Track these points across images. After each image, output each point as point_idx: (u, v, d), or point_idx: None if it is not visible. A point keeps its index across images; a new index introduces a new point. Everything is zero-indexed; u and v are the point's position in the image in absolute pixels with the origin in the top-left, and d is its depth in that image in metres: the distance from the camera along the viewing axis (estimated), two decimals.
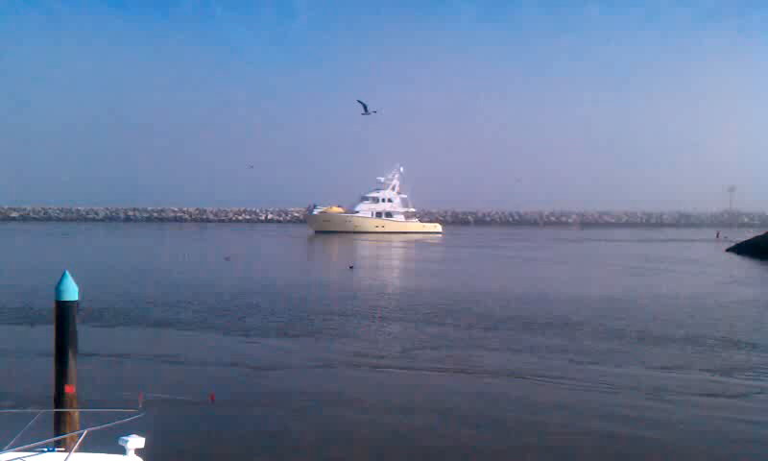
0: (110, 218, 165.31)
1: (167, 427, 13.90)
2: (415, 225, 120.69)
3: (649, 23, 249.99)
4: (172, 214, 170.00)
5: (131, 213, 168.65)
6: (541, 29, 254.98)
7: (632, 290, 38.48)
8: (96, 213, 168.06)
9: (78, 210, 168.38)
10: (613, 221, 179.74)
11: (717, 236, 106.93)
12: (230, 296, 35.04)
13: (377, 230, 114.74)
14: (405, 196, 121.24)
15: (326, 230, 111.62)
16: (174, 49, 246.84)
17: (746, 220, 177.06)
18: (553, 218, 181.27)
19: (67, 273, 11.82)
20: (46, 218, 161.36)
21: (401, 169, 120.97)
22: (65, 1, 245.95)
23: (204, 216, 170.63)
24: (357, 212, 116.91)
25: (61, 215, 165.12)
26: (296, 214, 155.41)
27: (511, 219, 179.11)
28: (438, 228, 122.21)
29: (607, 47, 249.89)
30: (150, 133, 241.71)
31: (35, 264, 51.79)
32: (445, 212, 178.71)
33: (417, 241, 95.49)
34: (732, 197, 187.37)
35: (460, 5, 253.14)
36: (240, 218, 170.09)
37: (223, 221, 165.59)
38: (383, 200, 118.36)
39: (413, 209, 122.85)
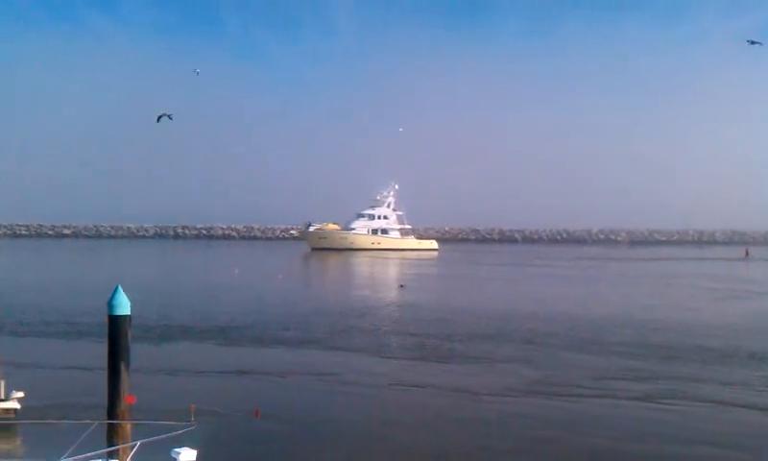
0: (160, 236, 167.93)
1: (217, 440, 14.00)
2: (411, 242, 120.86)
3: (696, 38, 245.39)
4: (220, 232, 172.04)
5: (180, 231, 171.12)
6: (584, 43, 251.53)
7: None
8: (146, 231, 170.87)
9: (128, 228, 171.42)
10: (664, 239, 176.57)
11: (746, 254, 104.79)
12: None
13: (373, 246, 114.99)
14: (401, 213, 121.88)
15: (323, 248, 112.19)
16: (215, 68, 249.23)
17: None
18: (602, 236, 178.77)
19: (119, 288, 12.02)
20: (97, 235, 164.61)
21: (396, 186, 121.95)
22: (108, 20, 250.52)
23: (252, 233, 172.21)
24: (353, 229, 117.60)
25: (112, 233, 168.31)
26: (291, 232, 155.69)
27: (559, 237, 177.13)
28: (434, 244, 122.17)
29: (653, 62, 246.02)
30: (194, 151, 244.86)
31: (86, 280, 52.77)
32: (492, 230, 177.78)
33: (420, 259, 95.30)
34: None
35: (502, 21, 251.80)
36: (287, 236, 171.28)
37: (270, 239, 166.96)
38: (379, 217, 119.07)
39: (408, 226, 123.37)
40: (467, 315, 35.01)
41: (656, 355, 25.07)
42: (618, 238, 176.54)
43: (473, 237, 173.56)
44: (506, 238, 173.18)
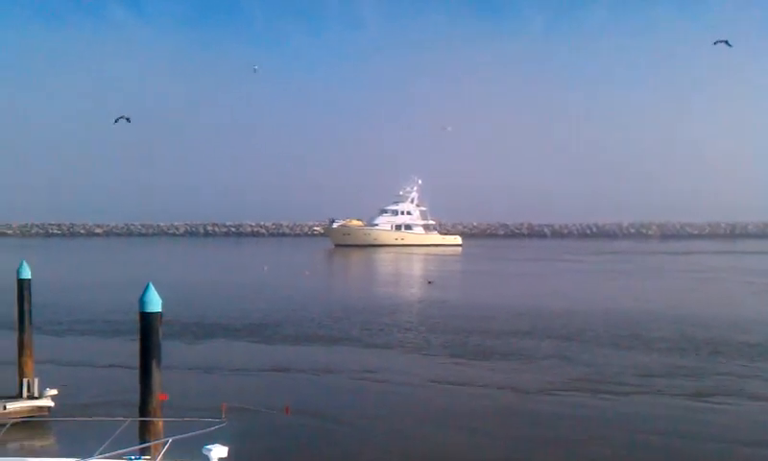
0: (191, 233, 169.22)
1: (249, 437, 13.99)
2: (434, 237, 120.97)
3: (723, 25, 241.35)
4: (249, 229, 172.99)
5: (209, 228, 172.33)
6: (611, 34, 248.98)
7: None
8: (176, 228, 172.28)
9: (159, 226, 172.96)
10: (696, 233, 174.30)
11: None
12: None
13: (397, 242, 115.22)
14: (424, 208, 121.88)
15: (346, 244, 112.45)
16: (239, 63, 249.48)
17: None
18: (632, 230, 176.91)
19: (151, 285, 11.96)
20: (128, 234, 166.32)
21: (420, 181, 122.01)
22: (129, 12, 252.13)
23: (281, 230, 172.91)
24: (377, 225, 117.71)
25: (143, 231, 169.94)
26: (316, 228, 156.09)
27: (588, 231, 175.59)
28: (458, 240, 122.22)
29: (682, 52, 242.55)
30: (215, 147, 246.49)
31: (117, 278, 53.29)
32: (521, 224, 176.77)
33: (444, 254, 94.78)
34: None
35: (529, 13, 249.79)
36: (314, 233, 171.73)
37: (298, 235, 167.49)
38: (402, 212, 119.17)
39: (431, 222, 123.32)
40: (499, 311, 34.72)
41: (698, 351, 24.61)
42: (649, 232, 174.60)
43: (502, 232, 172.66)
44: (535, 233, 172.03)
